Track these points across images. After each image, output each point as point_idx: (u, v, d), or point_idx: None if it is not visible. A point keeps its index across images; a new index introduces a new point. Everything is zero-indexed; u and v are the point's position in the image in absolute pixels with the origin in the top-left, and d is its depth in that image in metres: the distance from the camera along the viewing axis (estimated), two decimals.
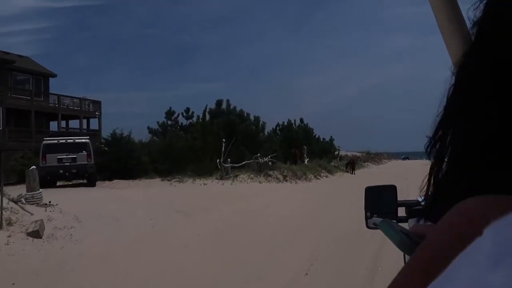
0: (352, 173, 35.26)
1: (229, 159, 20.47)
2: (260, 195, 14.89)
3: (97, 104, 36.33)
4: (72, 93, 39.32)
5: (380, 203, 1.20)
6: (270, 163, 21.64)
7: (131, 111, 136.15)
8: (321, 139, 41.19)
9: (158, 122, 25.67)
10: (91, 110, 35.69)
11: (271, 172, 21.15)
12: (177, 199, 13.19)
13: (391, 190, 1.19)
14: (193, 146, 20.99)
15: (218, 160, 19.87)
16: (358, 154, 71.30)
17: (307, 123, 35.66)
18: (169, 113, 25.73)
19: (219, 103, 23.57)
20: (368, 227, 1.15)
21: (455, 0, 0.86)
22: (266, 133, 29.22)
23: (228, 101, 24.01)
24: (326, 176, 26.61)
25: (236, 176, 20.33)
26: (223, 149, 20.15)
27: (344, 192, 15.67)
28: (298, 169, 23.99)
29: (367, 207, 1.21)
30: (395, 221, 0.66)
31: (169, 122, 25.79)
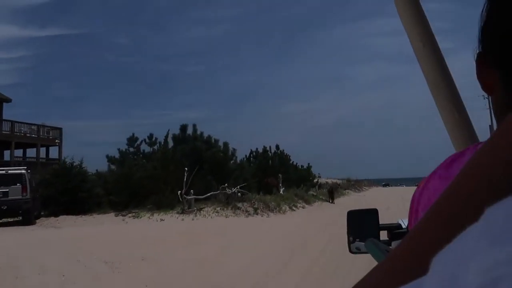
0: (331, 202, 33.37)
1: (192, 191, 18.22)
2: (222, 233, 12.64)
3: (57, 131, 33.73)
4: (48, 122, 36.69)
5: (362, 227, 1.20)
6: (239, 194, 19.48)
7: (108, 139, 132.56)
8: (300, 167, 39.33)
9: (119, 150, 23.31)
10: (50, 137, 33.06)
11: (240, 204, 18.95)
12: (117, 241, 10.82)
13: (373, 213, 1.18)
14: (153, 176, 18.70)
15: (179, 192, 17.61)
16: (338, 182, 69.79)
17: (283, 150, 33.78)
18: (131, 140, 23.44)
19: (183, 128, 21.44)
20: (351, 251, 1.19)
21: (428, 24, 0.90)
22: (238, 161, 27.18)
23: (194, 126, 22.01)
24: (303, 207, 24.50)
25: (200, 209, 18.05)
26: (185, 179, 17.93)
27: (319, 228, 13.58)
28: (271, 199, 21.85)
29: (349, 232, 1.20)
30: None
31: (131, 150, 23.47)
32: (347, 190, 57.16)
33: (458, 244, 0.21)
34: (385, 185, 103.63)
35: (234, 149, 22.79)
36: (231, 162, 22.70)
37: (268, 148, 32.80)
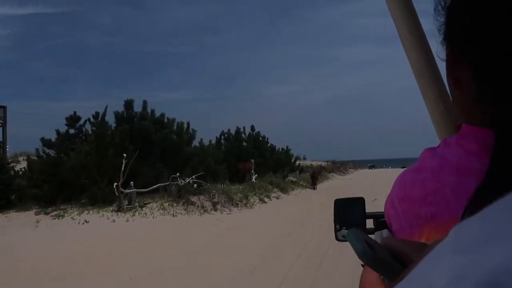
0: (313, 188, 30.17)
1: (132, 182, 14.54)
2: (155, 247, 9.09)
3: (1, 109, 29.51)
4: (28, 101, 32.03)
5: (349, 215, 1.23)
6: (195, 185, 15.86)
7: None
8: (279, 150, 35.81)
9: (57, 131, 19.30)
10: None
11: (195, 199, 15.37)
12: None
13: (360, 202, 1.21)
14: (84, 163, 14.97)
15: (115, 184, 13.91)
16: (323, 164, 66.82)
17: (258, 131, 30.14)
18: (72, 119, 19.45)
19: (128, 105, 17.49)
20: (337, 239, 1.21)
21: (414, 11, 0.89)
22: (204, 144, 23.47)
23: (145, 102, 18.12)
24: (277, 197, 21.04)
25: (144, 205, 14.43)
26: (122, 168, 14.21)
27: (291, 232, 10.10)
28: (237, 190, 18.31)
29: (336, 220, 1.23)
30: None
31: (72, 131, 19.53)
32: (331, 174, 54.15)
33: (427, 259, 0.25)
34: (371, 167, 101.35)
35: (193, 131, 19.05)
36: (191, 146, 18.97)
37: (242, 129, 29.15)
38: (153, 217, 13.17)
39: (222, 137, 28.18)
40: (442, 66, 0.59)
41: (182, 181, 15.40)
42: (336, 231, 1.21)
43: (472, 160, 0.50)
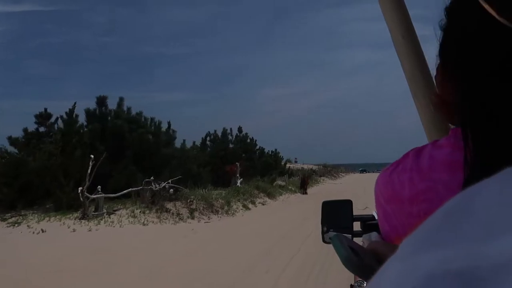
0: (303, 193, 28.96)
1: (99, 187, 13.14)
2: (106, 267, 7.72)
3: None
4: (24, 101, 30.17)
5: (336, 217, 1.24)
6: (171, 190, 14.49)
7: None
8: (269, 153, 34.55)
9: (24, 130, 17.83)
10: None
11: (170, 205, 14.00)
12: None
13: (347, 204, 1.22)
14: (48, 165, 13.55)
15: (80, 189, 12.50)
16: (314, 168, 65.86)
17: (246, 133, 28.84)
18: (42, 117, 18.00)
19: (101, 101, 15.99)
20: (324, 241, 1.22)
21: (408, 16, 0.90)
22: (187, 145, 22.14)
23: (121, 99, 16.67)
24: (263, 203, 19.72)
25: (112, 212, 13.04)
26: (89, 171, 12.81)
27: (271, 249, 8.78)
28: (220, 196, 16.97)
29: (323, 222, 1.24)
30: (350, 235, 0.81)
31: (42, 130, 18.07)
32: (322, 178, 53.05)
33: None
34: (362, 171, 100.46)
35: (173, 131, 17.65)
36: (172, 147, 17.54)
37: (228, 131, 27.82)
38: (120, 226, 11.78)
39: (208, 138, 26.83)
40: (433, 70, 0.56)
41: (157, 185, 14.03)
42: (323, 233, 1.23)
43: (460, 154, 0.46)
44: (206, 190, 17.73)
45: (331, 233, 1.18)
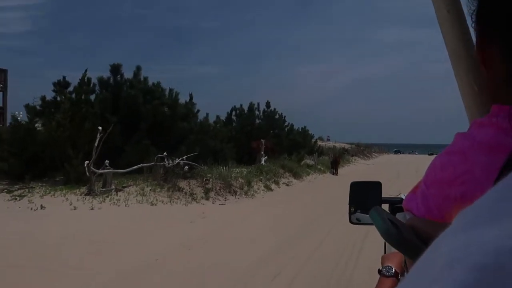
0: (334, 174, 27.55)
1: (107, 161, 12.18)
2: (92, 257, 6.70)
3: (1, 73, 27.67)
4: (65, 72, 29.72)
5: (364, 198, 1.22)
6: (186, 167, 13.37)
7: None
8: (298, 130, 32.97)
9: (42, 98, 17.04)
10: None
11: (184, 183, 12.90)
12: None
13: (376, 186, 1.21)
14: (55, 136, 12.69)
15: (86, 163, 11.57)
16: (346, 146, 63.77)
17: (274, 109, 27.32)
18: (60, 85, 17.10)
19: (115, 69, 14.86)
20: (351, 222, 1.25)
21: None
22: (211, 121, 20.94)
23: (138, 68, 15.46)
24: (287, 184, 18.39)
25: (121, 189, 12.09)
26: (96, 144, 11.83)
27: (291, 239, 7.48)
28: (241, 174, 15.76)
29: (351, 202, 1.24)
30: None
31: (60, 98, 17.21)
32: (354, 157, 51.04)
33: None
34: (396, 152, 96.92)
35: (192, 103, 16.35)
36: (192, 121, 16.31)
37: (256, 105, 26.40)
38: (125, 205, 10.79)
39: (233, 113, 25.54)
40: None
41: (171, 162, 12.94)
42: (350, 213, 1.24)
43: (504, 137, 0.48)
44: (226, 168, 16.57)
45: (359, 214, 1.23)
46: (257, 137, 23.76)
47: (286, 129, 29.56)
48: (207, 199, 12.53)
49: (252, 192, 14.49)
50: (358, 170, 33.58)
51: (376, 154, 70.87)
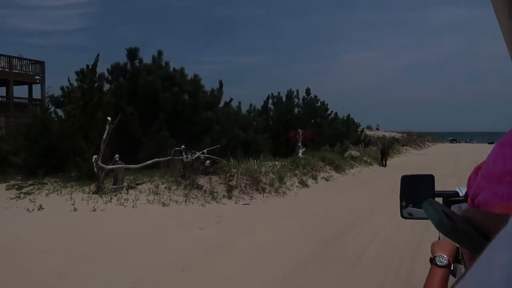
0: (383, 166, 25.32)
1: (117, 156, 10.94)
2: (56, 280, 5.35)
3: (38, 65, 27.65)
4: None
5: (416, 192, 1.19)
6: (207, 161, 11.87)
7: None
8: (343, 118, 30.67)
9: (63, 88, 16.16)
10: (30, 73, 27.09)
11: (205, 180, 11.42)
12: None
13: (429, 179, 1.18)
14: (65, 128, 11.65)
15: (94, 157, 10.38)
16: (397, 136, 60.22)
17: (315, 96, 25.25)
18: (83, 74, 16.16)
19: (132, 54, 13.54)
20: (402, 216, 1.23)
21: None
22: (239, 107, 19.38)
23: (159, 52, 14.09)
24: (327, 179, 16.47)
25: (134, 186, 10.81)
26: (104, 136, 10.61)
27: (324, 251, 5.76)
28: (272, 169, 14.07)
29: (402, 196, 1.21)
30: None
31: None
32: (405, 147, 47.76)
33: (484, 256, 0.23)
34: (452, 141, 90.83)
35: (219, 91, 14.76)
36: (217, 110, 14.76)
37: (294, 93, 24.46)
38: (133, 206, 9.47)
39: (270, 101, 23.78)
40: None
41: (190, 155, 11.50)
42: (401, 208, 1.22)
43: None
44: (258, 161, 14.95)
45: (410, 209, 1.21)
46: (296, 127, 21.91)
47: (329, 118, 27.43)
48: (230, 198, 10.98)
49: (283, 189, 12.78)
50: (408, 161, 30.81)
51: (429, 144, 66.59)
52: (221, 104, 16.94)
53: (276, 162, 15.77)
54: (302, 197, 12.36)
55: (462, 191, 1.35)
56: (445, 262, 1.02)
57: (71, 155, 11.91)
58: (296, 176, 14.63)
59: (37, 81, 27.52)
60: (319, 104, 26.02)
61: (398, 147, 44.21)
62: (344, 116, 30.64)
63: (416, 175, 1.27)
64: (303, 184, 14.13)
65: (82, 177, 11.66)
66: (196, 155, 11.43)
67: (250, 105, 19.55)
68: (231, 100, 19.21)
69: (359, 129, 34.15)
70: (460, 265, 1.05)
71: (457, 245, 1.01)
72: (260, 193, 11.87)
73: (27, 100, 27.52)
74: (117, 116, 11.88)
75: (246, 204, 10.73)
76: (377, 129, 75.02)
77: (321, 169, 17.50)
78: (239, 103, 19.00)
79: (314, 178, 15.64)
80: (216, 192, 11.00)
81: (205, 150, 11.71)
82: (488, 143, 75.24)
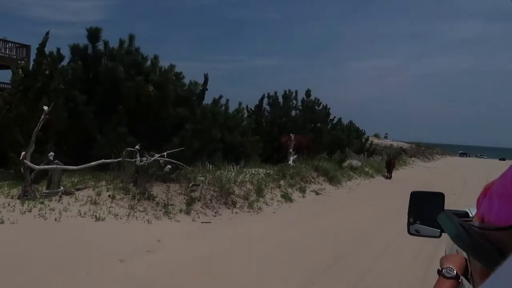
0: (388, 178, 23.36)
1: (51, 153, 8.98)
2: None
3: (24, 49, 25.93)
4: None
5: (424, 209, 1.19)
6: (167, 167, 9.85)
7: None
8: (346, 124, 28.57)
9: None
10: (14, 57, 25.40)
11: (161, 189, 9.41)
12: None
13: (438, 197, 1.18)
14: (2, 118, 9.75)
15: (23, 154, 8.44)
16: (404, 146, 57.82)
17: (316, 98, 23.16)
18: (52, 58, 14.22)
19: (93, 35, 11.51)
20: (409, 233, 1.22)
21: None
22: (225, 108, 17.45)
23: (131, 37, 12.05)
24: (317, 193, 14.37)
25: (72, 192, 8.84)
26: (36, 128, 8.67)
27: None
28: (252, 178, 12.03)
29: (410, 213, 1.21)
30: (439, 230, 0.94)
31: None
32: (412, 158, 45.42)
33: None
34: (462, 155, 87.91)
35: (195, 84, 12.73)
36: (192, 106, 12.71)
37: (293, 94, 22.38)
38: (56, 219, 7.49)
39: (266, 101, 21.72)
40: None
41: (146, 158, 9.51)
42: (409, 224, 1.20)
43: None
44: (237, 167, 12.95)
45: (418, 226, 1.20)
46: (292, 131, 19.87)
47: (331, 123, 25.33)
48: (188, 213, 8.96)
49: (260, 204, 10.73)
50: (414, 175, 28.58)
51: (438, 156, 64.03)
52: (209, 101, 15.08)
53: (261, 170, 13.74)
54: (281, 215, 10.31)
55: (472, 212, 1.23)
56: (452, 273, 1.03)
57: (7, 149, 9.99)
58: (280, 187, 12.58)
59: (22, 65, 25.86)
60: (320, 107, 23.95)
61: (405, 158, 41.93)
62: (348, 123, 28.53)
63: (426, 192, 1.27)
64: (286, 198, 12.07)
65: (17, 177, 9.74)
66: (153, 158, 9.42)
67: (240, 103, 17.49)
68: (220, 97, 17.27)
69: (364, 137, 32.01)
70: (469, 283, 0.96)
71: (466, 260, 1.00)
72: (229, 207, 9.84)
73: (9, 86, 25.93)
74: (67, 105, 9.96)
75: (205, 222, 8.70)
76: (386, 137, 72.68)
77: (313, 180, 15.42)
78: (227, 101, 17.04)
79: (302, 190, 13.57)
80: (172, 205, 8.99)
81: (165, 153, 9.69)
82: (500, 160, 72.44)
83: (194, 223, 8.54)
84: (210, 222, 8.70)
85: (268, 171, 13.73)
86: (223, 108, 16.65)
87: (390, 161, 24.67)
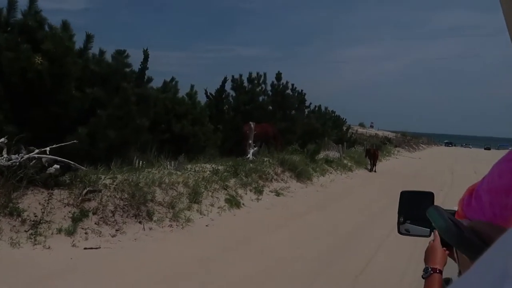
0: (372, 170, 21.07)
1: None
2: None
3: None
4: (112, 48, 24.84)
5: (414, 209, 1.16)
6: (54, 166, 7.12)
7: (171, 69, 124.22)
8: (329, 112, 26.06)
9: None
10: None
11: (37, 199, 6.71)
12: None
13: (428, 197, 1.15)
14: None
15: None
16: (390, 135, 55.86)
17: (288, 82, 20.46)
18: None
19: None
20: (399, 232, 1.19)
21: None
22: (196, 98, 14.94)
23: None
24: (278, 193, 11.73)
25: None
26: None
27: None
28: (186, 178, 9.36)
29: (400, 212, 1.18)
30: (428, 229, 0.95)
31: None
32: (397, 148, 43.31)
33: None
34: (448, 144, 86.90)
35: (126, 54, 9.85)
36: (108, 87, 9.89)
37: (261, 77, 19.64)
38: None
39: (230, 85, 18.95)
40: None
41: (17, 155, 6.75)
42: (399, 223, 1.18)
43: None
44: (174, 164, 10.25)
45: (408, 225, 1.17)
46: (260, 119, 17.25)
47: (306, 110, 22.72)
48: (72, 233, 6.24)
49: (190, 214, 8.06)
50: (399, 166, 26.33)
51: (424, 146, 62.32)
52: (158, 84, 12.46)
53: (207, 166, 11.07)
54: (216, 230, 7.68)
55: None
56: (429, 271, 0.99)
57: None
58: (226, 189, 9.93)
59: None
60: (294, 93, 21.28)
61: (390, 148, 39.78)
62: (331, 110, 26.01)
63: (415, 191, 1.24)
64: (232, 203, 9.41)
65: None
66: (26, 156, 6.66)
67: (192, 86, 14.72)
68: (172, 79, 14.71)
69: (345, 126, 29.60)
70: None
71: (444, 252, 1.00)
72: (140, 222, 7.14)
73: None
74: None
75: (93, 248, 5.99)
76: (371, 127, 70.85)
77: (276, 177, 12.82)
78: (176, 82, 14.36)
79: (258, 191, 10.96)
80: (48, 222, 6.26)
81: (47, 148, 6.91)
82: (485, 149, 71.74)
83: (72, 250, 5.84)
84: (98, 248, 6.00)
85: (217, 167, 11.07)
86: (171, 92, 14.01)
87: (374, 152, 22.25)
